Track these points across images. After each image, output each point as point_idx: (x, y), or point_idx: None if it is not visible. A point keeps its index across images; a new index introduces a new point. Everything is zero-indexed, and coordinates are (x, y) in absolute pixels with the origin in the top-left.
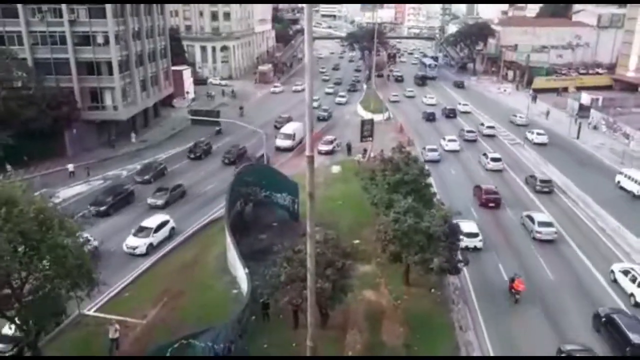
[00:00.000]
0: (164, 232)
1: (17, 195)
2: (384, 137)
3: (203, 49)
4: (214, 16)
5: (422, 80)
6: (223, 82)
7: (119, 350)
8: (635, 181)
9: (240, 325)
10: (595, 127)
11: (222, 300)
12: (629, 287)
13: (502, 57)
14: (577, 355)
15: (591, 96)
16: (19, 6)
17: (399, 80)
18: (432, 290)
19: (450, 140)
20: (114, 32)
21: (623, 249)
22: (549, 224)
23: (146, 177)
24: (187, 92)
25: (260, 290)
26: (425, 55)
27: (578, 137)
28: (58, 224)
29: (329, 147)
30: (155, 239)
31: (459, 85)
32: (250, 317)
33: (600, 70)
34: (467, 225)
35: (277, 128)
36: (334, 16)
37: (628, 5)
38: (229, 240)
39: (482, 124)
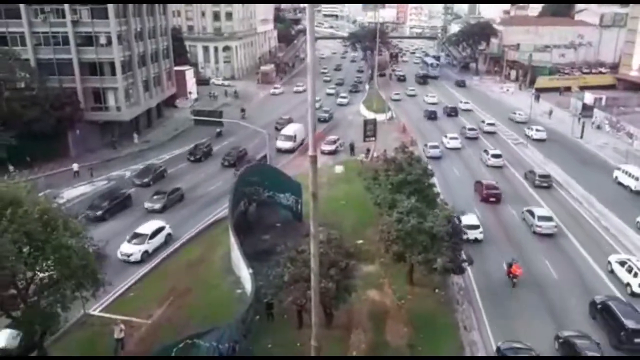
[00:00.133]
0: (160, 238)
1: (21, 196)
2: (386, 137)
3: (205, 49)
4: (216, 16)
5: (423, 79)
6: (225, 83)
7: (124, 350)
8: (633, 176)
9: (244, 325)
10: (598, 127)
11: (227, 300)
12: (625, 277)
13: (505, 56)
14: (573, 340)
15: (594, 95)
16: (22, 7)
17: (401, 79)
18: (436, 290)
19: (451, 138)
20: (117, 33)
21: (620, 241)
22: (548, 219)
23: (145, 179)
24: (190, 93)
25: (264, 290)
26: (427, 55)
27: (582, 137)
28: (62, 225)
29: (332, 147)
30: (150, 245)
31: (461, 84)
32: (255, 317)
33: (603, 70)
34: (467, 218)
35: (278, 129)
36: (336, 16)
37: (631, 4)
38: (232, 240)
39: (483, 121)
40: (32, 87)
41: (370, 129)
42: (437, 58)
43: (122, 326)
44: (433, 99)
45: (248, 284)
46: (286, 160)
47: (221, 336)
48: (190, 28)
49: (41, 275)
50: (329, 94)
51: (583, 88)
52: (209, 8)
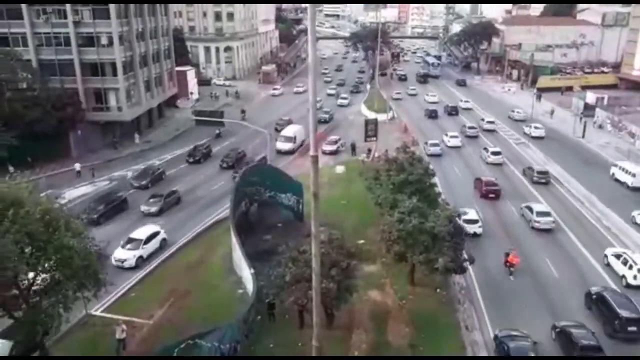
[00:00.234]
0: (155, 243)
1: (23, 196)
2: (388, 137)
3: (207, 49)
4: (218, 16)
5: (423, 78)
6: (227, 83)
7: (126, 350)
8: (629, 173)
9: (246, 325)
10: (600, 126)
11: (228, 300)
12: (621, 269)
13: (506, 56)
14: (569, 329)
15: (596, 95)
16: (24, 7)
17: (403, 79)
18: (438, 290)
19: (452, 137)
20: (118, 33)
21: (616, 236)
22: (547, 214)
23: (143, 182)
24: (191, 93)
25: (266, 290)
26: (428, 54)
27: (583, 136)
28: (64, 225)
29: (333, 147)
30: (145, 251)
31: (461, 84)
32: (256, 317)
33: (605, 69)
34: (467, 213)
35: (278, 131)
36: (338, 16)
37: (633, 3)
38: (234, 240)
39: (483, 119)
40: (34, 87)
41: (371, 129)
42: (439, 57)
43: (124, 326)
44: (434, 98)
45: (249, 284)
46: (285, 162)
47: (223, 336)
48: (192, 28)
49: (43, 275)
50: (329, 95)
51: (585, 87)
52: (210, 8)
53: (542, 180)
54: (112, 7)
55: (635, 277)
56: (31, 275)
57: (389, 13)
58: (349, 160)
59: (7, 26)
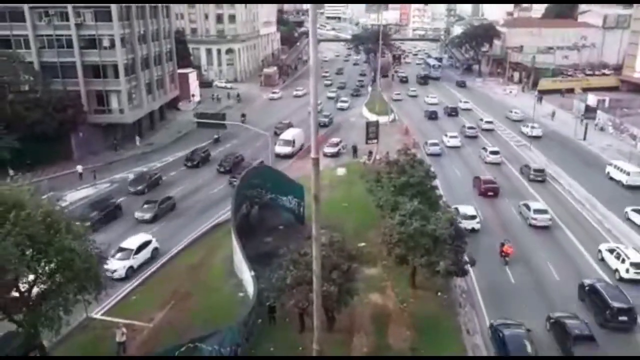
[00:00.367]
0: (146, 253)
1: (24, 198)
2: (389, 139)
3: (208, 51)
4: (219, 19)
5: (424, 79)
6: (228, 85)
7: (126, 353)
8: (624, 171)
9: (246, 329)
10: (601, 129)
11: (229, 303)
12: (614, 263)
13: (508, 58)
14: (563, 320)
15: (598, 97)
16: (26, 10)
17: (404, 81)
18: (439, 293)
19: (451, 137)
20: (120, 35)
21: (610, 232)
22: (544, 211)
23: (139, 187)
24: (193, 95)
25: (267, 293)
26: (429, 56)
27: (585, 139)
28: (65, 227)
29: (334, 150)
30: (135, 261)
31: (461, 85)
32: (257, 320)
33: (606, 71)
34: (465, 209)
35: (277, 134)
36: (339, 18)
37: (634, 5)
38: (235, 243)
39: (481, 119)
40: (36, 89)
41: (372, 131)
42: (439, 59)
43: (124, 329)
44: (434, 99)
45: (250, 287)
46: (284, 166)
47: (223, 339)
48: (194, 31)
49: (44, 278)
50: (329, 98)
51: (586, 90)
52: (212, 11)
53: (539, 178)
54: (114, 10)
55: (627, 271)
56: (32, 277)
57: (391, 15)
58: (350, 163)
59: (10, 28)
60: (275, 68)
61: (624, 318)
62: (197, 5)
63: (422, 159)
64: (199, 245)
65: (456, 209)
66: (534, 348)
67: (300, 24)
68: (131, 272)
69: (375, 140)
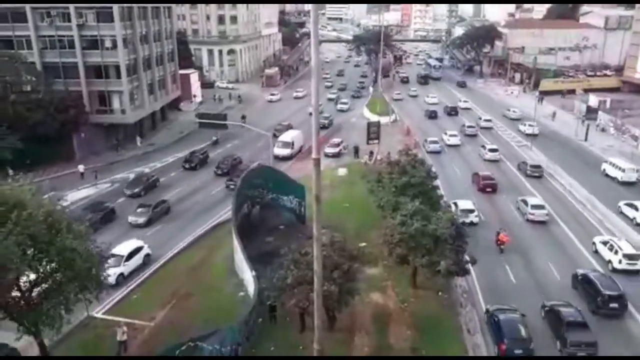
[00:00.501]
0: (137, 259)
1: (25, 198)
2: (390, 140)
3: (210, 52)
4: (221, 19)
5: (424, 79)
6: (230, 86)
7: (127, 352)
8: (619, 168)
9: (247, 328)
10: (603, 129)
11: (230, 302)
12: (607, 255)
13: (509, 59)
14: (557, 308)
15: (599, 98)
16: (28, 10)
17: (405, 81)
18: (440, 293)
19: (451, 135)
20: (122, 36)
21: (605, 225)
22: (541, 207)
23: (136, 190)
24: (195, 96)
25: (267, 292)
26: (430, 57)
27: (586, 139)
28: (66, 227)
29: (335, 150)
30: (126, 267)
31: (462, 85)
32: (257, 319)
33: (608, 72)
34: (464, 203)
35: (276, 136)
36: (340, 19)
37: (636, 6)
38: (236, 242)
39: (480, 118)
40: (38, 90)
41: (373, 132)
42: (440, 60)
43: (125, 328)
44: (434, 99)
45: (251, 287)
46: (284, 167)
47: (224, 339)
48: (195, 31)
49: (45, 277)
50: (330, 99)
51: (587, 91)
52: (213, 11)
53: (536, 173)
54: (116, 10)
55: (620, 262)
56: (33, 277)
57: (392, 16)
58: (351, 163)
59: (12, 29)
60: (276, 69)
61: (615, 305)
62: (199, 6)
63: (424, 159)
64: (200, 245)
65: (455, 203)
66: (528, 332)
67: (302, 24)
68: (122, 279)
69: (377, 141)
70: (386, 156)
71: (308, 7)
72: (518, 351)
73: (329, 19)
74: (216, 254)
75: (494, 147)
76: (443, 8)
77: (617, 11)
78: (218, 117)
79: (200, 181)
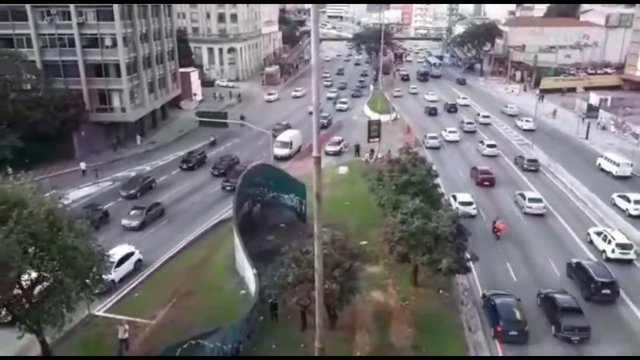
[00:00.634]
0: (128, 265)
1: (26, 196)
2: (391, 138)
3: (210, 50)
4: (221, 18)
5: (423, 76)
6: (230, 84)
7: (128, 350)
8: (614, 163)
9: (248, 326)
10: (604, 127)
11: (231, 300)
12: (601, 245)
13: (510, 57)
14: (552, 295)
15: (600, 96)
16: (28, 9)
17: (405, 79)
18: (441, 291)
19: (450, 132)
20: (122, 34)
21: (600, 217)
22: (538, 200)
23: (132, 191)
24: (195, 94)
25: (269, 291)
26: (430, 54)
27: (587, 137)
28: (67, 225)
29: (336, 148)
30: (117, 274)
31: (461, 82)
32: (259, 317)
33: (608, 70)
34: (462, 196)
35: (275, 136)
36: (341, 17)
37: (637, 4)
38: (237, 241)
39: (479, 114)
40: (38, 88)
41: (374, 130)
42: (440, 58)
43: (127, 326)
44: (433, 96)
45: (252, 285)
46: (283, 167)
47: (225, 337)
48: (195, 30)
49: (46, 275)
50: (329, 98)
51: (588, 89)
52: (213, 10)
53: (532, 167)
54: (116, 9)
55: (613, 251)
56: (34, 275)
57: (392, 14)
58: (352, 161)
59: (12, 27)
60: (277, 67)
61: (607, 291)
62: (199, 5)
63: (424, 157)
64: (201, 243)
65: (454, 196)
66: (523, 314)
67: (302, 23)
68: (112, 285)
69: (377, 139)
70: (387, 154)
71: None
72: (513, 332)
73: (329, 17)
74: (217, 252)
75: (492, 142)
76: (443, 6)
77: (617, 9)
78: (218, 115)
79: (197, 182)
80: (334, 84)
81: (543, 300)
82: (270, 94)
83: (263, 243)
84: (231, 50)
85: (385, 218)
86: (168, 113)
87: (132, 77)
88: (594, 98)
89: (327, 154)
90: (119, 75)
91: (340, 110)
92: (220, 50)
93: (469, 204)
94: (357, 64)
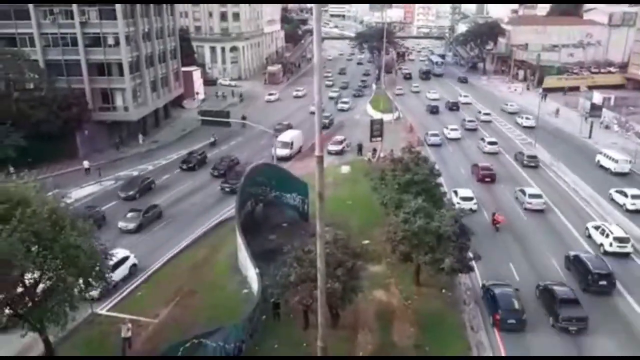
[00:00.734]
0: (123, 270)
1: (30, 195)
2: (394, 137)
3: (212, 49)
4: (223, 17)
5: (425, 75)
6: (233, 83)
7: (132, 349)
8: (612, 159)
9: (250, 325)
10: (607, 127)
11: (233, 299)
12: (599, 238)
13: (513, 56)
14: (551, 286)
15: (603, 95)
16: (31, 8)
17: (408, 77)
18: (443, 290)
19: (452, 129)
20: (125, 33)
21: (598, 212)
22: (538, 196)
23: (131, 192)
24: (197, 93)
25: (271, 290)
26: (432, 53)
27: (590, 137)
28: (70, 224)
29: (338, 148)
30: (111, 279)
31: (463, 81)
32: (261, 316)
33: (612, 69)
34: (463, 191)
35: (276, 136)
36: (343, 16)
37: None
38: (239, 240)
39: (480, 112)
40: (41, 87)
41: (377, 129)
42: (442, 56)
43: (130, 325)
44: (435, 95)
45: (255, 284)
46: (285, 166)
47: (227, 336)
48: (198, 29)
49: (49, 274)
50: (331, 98)
51: (591, 88)
52: (216, 9)
53: (532, 163)
54: (119, 8)
55: (611, 245)
56: (37, 273)
57: (395, 13)
58: (354, 160)
59: (15, 26)
60: (279, 66)
61: (604, 282)
62: (202, 3)
63: (427, 156)
64: (203, 243)
65: (455, 191)
66: (521, 304)
67: (304, 22)
68: (106, 291)
69: (380, 138)
70: (389, 153)
71: (310, 4)
72: (511, 321)
73: (332, 15)
74: (219, 251)
75: (493, 139)
76: (446, 5)
77: (621, 8)
78: (221, 114)
79: (198, 183)
80: (336, 83)
81: (542, 292)
82: (270, 94)
83: (265, 242)
84: (233, 49)
85: (388, 217)
86: (171, 112)
87: (135, 76)
88: (597, 97)
89: (330, 153)
90: (121, 74)
91: (342, 110)
92: (223, 49)
93: (470, 199)
94: (359, 63)
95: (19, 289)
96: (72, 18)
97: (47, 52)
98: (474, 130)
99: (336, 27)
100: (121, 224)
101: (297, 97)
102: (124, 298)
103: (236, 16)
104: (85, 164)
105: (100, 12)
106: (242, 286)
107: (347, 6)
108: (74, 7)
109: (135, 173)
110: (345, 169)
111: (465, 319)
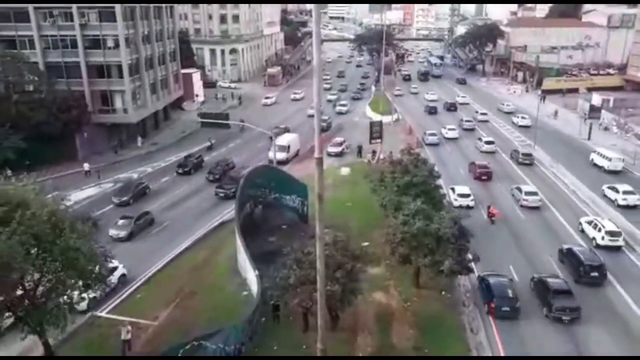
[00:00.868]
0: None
1: (29, 198)
2: (393, 139)
3: (212, 51)
4: (223, 19)
5: (424, 76)
6: (232, 85)
7: (131, 351)
8: (605, 157)
9: (250, 327)
10: (606, 128)
11: (233, 302)
12: (592, 232)
13: (512, 58)
14: (544, 279)
15: (602, 97)
16: (31, 10)
17: (407, 79)
18: (443, 292)
19: (450, 129)
20: (124, 36)
21: (591, 208)
22: (534, 193)
23: (124, 198)
24: (197, 95)
25: (271, 292)
26: (431, 55)
27: (589, 138)
28: (70, 227)
29: (338, 149)
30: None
31: (461, 82)
32: (261, 319)
33: (611, 71)
34: (460, 188)
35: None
36: (342, 18)
37: (639, 5)
38: (239, 242)
39: (477, 112)
40: (40, 89)
41: (376, 131)
42: (441, 58)
43: (129, 327)
44: (433, 96)
45: (254, 286)
46: (284, 169)
47: (227, 338)
48: (197, 31)
49: (49, 276)
50: (329, 101)
51: (590, 89)
52: (215, 11)
53: (527, 161)
54: (118, 10)
55: (602, 238)
56: (37, 276)
57: (394, 15)
58: (354, 162)
59: (14, 29)
60: (278, 68)
61: (595, 274)
62: (201, 6)
63: (426, 158)
64: (203, 244)
65: (452, 188)
66: (515, 292)
67: (304, 24)
68: (94, 303)
69: (379, 140)
70: (389, 155)
71: (310, 6)
72: (505, 308)
73: (331, 17)
74: (219, 253)
75: (490, 139)
76: (445, 7)
77: (620, 9)
78: (220, 116)
79: (193, 187)
80: (334, 86)
81: (536, 284)
82: (267, 98)
83: (265, 244)
84: (233, 51)
85: (387, 219)
86: (170, 114)
87: (134, 78)
88: (597, 99)
89: (329, 155)
90: (121, 76)
91: (340, 113)
92: (222, 51)
93: (467, 195)
94: (358, 66)
95: (19, 292)
96: (72, 20)
97: (46, 54)
98: (472, 130)
99: (335, 29)
100: (112, 232)
101: (295, 100)
102: (124, 300)
103: (236, 18)
104: (86, 166)
105: (100, 14)
106: (242, 288)
107: (346, 8)
108: (74, 9)
109: (135, 175)
110: (344, 170)
111: (465, 320)
